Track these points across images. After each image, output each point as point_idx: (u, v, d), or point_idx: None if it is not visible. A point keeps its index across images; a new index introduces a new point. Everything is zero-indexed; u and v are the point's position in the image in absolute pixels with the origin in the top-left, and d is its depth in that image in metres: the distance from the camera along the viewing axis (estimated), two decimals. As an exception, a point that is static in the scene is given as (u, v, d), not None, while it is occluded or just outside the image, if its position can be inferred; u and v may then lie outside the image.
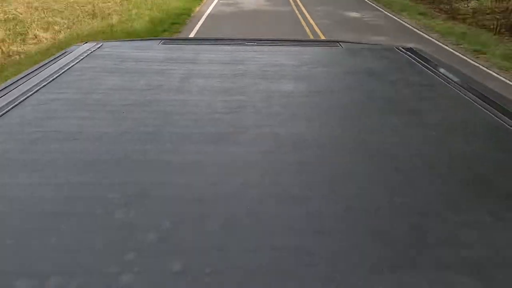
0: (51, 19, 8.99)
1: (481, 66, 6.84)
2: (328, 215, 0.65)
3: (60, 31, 8.14)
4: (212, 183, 0.73)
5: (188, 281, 0.52)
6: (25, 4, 10.15)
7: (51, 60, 1.40)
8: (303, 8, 11.74)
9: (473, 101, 1.11)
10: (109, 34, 7.97)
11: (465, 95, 1.16)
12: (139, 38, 2.08)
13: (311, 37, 8.50)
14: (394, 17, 11.00)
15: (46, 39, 7.58)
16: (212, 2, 12.14)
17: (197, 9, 11.33)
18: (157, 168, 0.77)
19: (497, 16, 9.57)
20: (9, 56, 6.53)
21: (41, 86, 1.15)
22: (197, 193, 0.70)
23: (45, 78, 1.21)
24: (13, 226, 0.61)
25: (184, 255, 0.56)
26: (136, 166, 0.78)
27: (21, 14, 9.20)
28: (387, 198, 0.70)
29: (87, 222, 0.62)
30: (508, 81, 6.17)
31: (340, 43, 1.77)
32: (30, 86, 1.14)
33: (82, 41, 1.71)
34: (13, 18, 8.82)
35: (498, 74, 6.46)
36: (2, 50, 6.61)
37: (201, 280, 0.52)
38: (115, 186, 0.72)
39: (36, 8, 9.90)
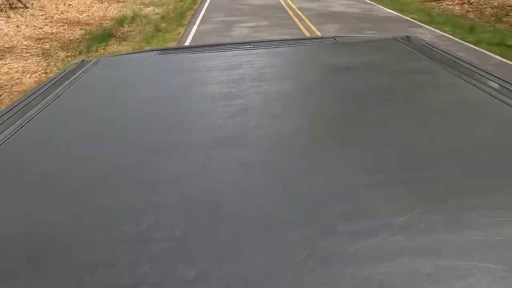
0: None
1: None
2: (338, 211, 0.65)
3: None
4: (221, 188, 0.73)
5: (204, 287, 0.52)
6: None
7: (49, 81, 1.41)
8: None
9: (474, 86, 1.10)
10: None
11: (466, 80, 1.15)
12: (135, 51, 2.09)
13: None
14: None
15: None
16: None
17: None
18: (165, 177, 0.77)
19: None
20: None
21: (41, 108, 1.15)
22: (207, 199, 0.70)
23: (45, 100, 1.21)
24: (25, 244, 0.62)
25: (199, 262, 0.56)
26: (144, 178, 0.78)
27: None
28: (396, 188, 0.70)
29: (99, 236, 0.62)
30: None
31: (336, 38, 1.76)
32: (30, 109, 1.14)
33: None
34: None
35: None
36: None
37: (218, 285, 0.52)
38: (124, 198, 0.72)
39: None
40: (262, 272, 0.54)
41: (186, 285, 0.53)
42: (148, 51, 1.83)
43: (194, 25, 10.10)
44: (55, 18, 10.65)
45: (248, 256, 0.57)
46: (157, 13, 12.07)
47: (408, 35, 1.69)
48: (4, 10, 10.28)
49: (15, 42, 8.48)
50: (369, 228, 0.61)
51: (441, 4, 11.77)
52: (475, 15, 10.21)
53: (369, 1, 12.94)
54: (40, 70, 6.86)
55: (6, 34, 8.90)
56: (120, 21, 10.65)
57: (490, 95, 1.04)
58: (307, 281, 0.52)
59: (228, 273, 0.54)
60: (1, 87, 6.03)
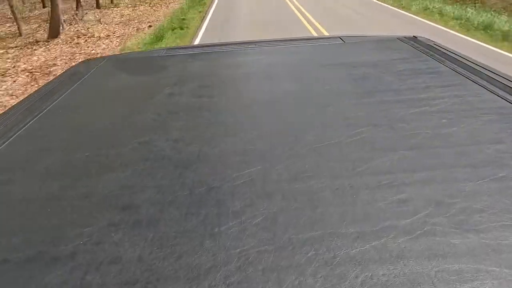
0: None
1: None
2: (343, 212, 0.65)
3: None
4: (224, 187, 0.73)
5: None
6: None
7: (56, 80, 1.42)
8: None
9: (482, 86, 1.09)
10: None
11: (473, 80, 1.14)
12: (143, 51, 2.10)
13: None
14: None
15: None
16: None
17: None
18: (173, 173, 0.78)
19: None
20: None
21: (48, 106, 1.16)
22: (210, 197, 0.70)
23: (51, 98, 1.23)
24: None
25: (202, 260, 0.57)
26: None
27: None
28: (401, 190, 0.69)
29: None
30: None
31: (342, 37, 1.76)
32: (37, 107, 1.16)
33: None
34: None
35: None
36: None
37: (221, 285, 0.53)
38: (123, 198, 0.73)
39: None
40: (266, 273, 0.54)
41: (188, 284, 0.53)
42: (155, 50, 1.83)
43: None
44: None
45: (252, 256, 0.57)
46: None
47: (415, 35, 1.68)
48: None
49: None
50: (374, 230, 0.61)
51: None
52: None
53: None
54: None
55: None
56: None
57: (498, 95, 1.03)
58: (310, 282, 0.52)
59: (231, 273, 0.54)
60: None
